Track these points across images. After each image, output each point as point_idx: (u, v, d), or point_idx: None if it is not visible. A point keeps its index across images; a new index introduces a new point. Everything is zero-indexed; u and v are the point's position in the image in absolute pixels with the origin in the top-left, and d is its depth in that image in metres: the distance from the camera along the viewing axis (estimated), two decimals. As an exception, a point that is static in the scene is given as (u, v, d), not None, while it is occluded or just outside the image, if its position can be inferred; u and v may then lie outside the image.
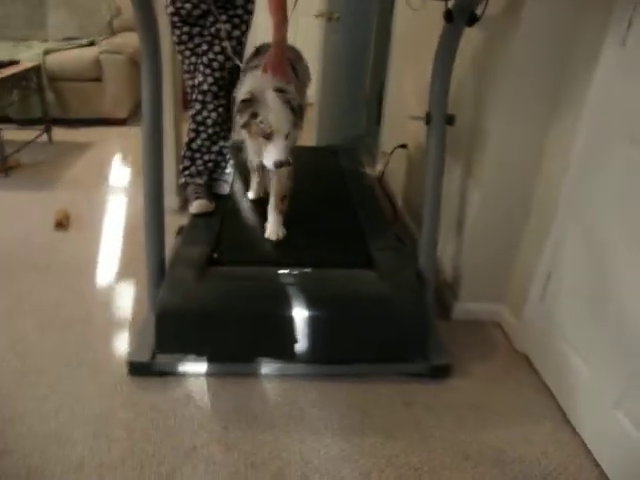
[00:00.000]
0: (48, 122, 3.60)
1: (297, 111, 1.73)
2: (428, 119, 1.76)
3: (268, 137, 1.69)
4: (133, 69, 4.03)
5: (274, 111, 1.67)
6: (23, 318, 1.84)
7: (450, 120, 1.77)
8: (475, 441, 1.46)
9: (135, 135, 3.89)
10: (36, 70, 3.47)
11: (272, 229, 1.95)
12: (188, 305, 1.53)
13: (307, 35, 3.43)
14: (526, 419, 1.56)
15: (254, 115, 1.70)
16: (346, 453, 1.39)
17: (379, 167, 3.22)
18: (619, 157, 1.37)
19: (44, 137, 3.58)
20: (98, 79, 3.91)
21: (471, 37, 1.73)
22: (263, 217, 2.01)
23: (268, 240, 1.93)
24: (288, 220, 2.01)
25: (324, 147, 3.26)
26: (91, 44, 4.16)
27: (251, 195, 2.27)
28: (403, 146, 2.69)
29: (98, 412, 1.45)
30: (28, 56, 3.69)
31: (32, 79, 3.47)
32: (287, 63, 1.86)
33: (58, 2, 4.28)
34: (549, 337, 1.69)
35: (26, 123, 3.66)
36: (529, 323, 1.81)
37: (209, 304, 1.55)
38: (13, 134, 3.26)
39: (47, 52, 3.81)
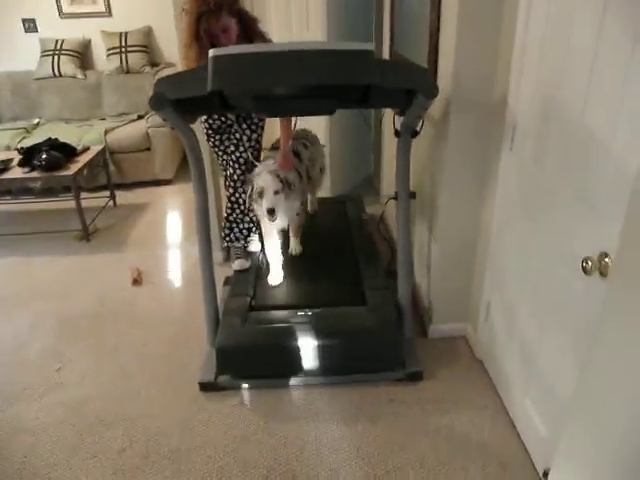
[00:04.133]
0: (112, 189, 4.47)
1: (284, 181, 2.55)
2: (396, 196, 2.48)
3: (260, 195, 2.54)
4: (176, 139, 4.87)
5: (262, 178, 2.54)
6: (123, 354, 2.65)
7: (412, 195, 2.49)
8: (433, 423, 2.16)
9: (180, 192, 4.75)
10: (102, 151, 4.33)
11: (293, 247, 2.94)
12: (237, 343, 2.31)
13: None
14: (474, 407, 2.24)
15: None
16: (345, 434, 2.12)
17: (379, 210, 3.94)
18: (516, 227, 2.06)
19: (109, 202, 4.45)
20: (148, 149, 4.76)
21: (427, 133, 2.43)
22: (286, 268, 2.81)
23: (289, 287, 2.72)
24: (305, 266, 2.86)
25: (335, 197, 4.00)
26: (140, 117, 5.03)
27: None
28: (394, 198, 3.39)
29: (184, 415, 2.24)
30: (93, 137, 4.58)
31: (99, 157, 4.32)
32: (291, 161, 2.68)
33: (111, 86, 5.19)
34: (493, 347, 2.37)
35: (93, 189, 4.53)
36: (481, 336, 2.49)
37: (251, 341, 2.32)
38: (84, 202, 4.03)
39: (107, 132, 4.68)
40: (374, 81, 1.75)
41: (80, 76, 5.21)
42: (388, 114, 3.54)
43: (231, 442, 2.10)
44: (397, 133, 2.27)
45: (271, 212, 2.51)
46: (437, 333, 2.69)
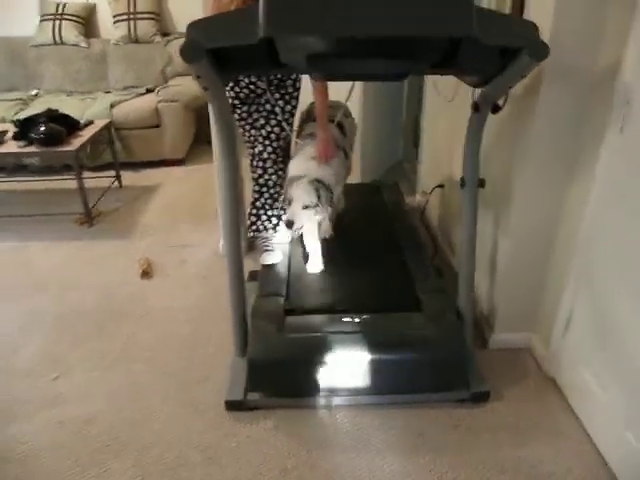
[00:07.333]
0: (118, 169, 4.06)
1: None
2: (462, 183, 2.08)
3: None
4: (188, 115, 4.48)
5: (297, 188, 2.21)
6: (132, 361, 2.26)
7: (481, 183, 2.09)
8: (510, 457, 1.79)
9: (193, 174, 4.35)
10: (107, 126, 3.92)
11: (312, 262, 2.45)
12: (273, 355, 1.93)
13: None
14: (554, 437, 1.87)
15: None
16: (405, 470, 1.74)
17: (418, 198, 3.55)
18: (621, 223, 1.68)
19: (115, 183, 4.04)
20: (157, 125, 4.35)
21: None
22: (325, 264, 2.44)
23: (330, 287, 2.33)
24: (346, 262, 2.47)
25: (369, 184, 3.60)
26: (149, 91, 4.61)
27: None
28: (440, 186, 3.01)
29: (208, 442, 1.85)
30: (97, 111, 4.17)
31: (104, 133, 3.91)
32: (333, 148, 2.29)
33: (118, 56, 4.78)
34: (574, 365, 1.99)
35: (97, 169, 4.13)
36: (556, 352, 2.11)
37: (289, 353, 1.94)
38: (87, 182, 3.63)
39: (112, 105, 4.27)
40: (474, 34, 1.35)
41: (83, 44, 4.80)
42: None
43: (266, 476, 1.73)
44: (476, 107, 1.87)
45: (289, 225, 2.22)
46: (498, 344, 2.31)
